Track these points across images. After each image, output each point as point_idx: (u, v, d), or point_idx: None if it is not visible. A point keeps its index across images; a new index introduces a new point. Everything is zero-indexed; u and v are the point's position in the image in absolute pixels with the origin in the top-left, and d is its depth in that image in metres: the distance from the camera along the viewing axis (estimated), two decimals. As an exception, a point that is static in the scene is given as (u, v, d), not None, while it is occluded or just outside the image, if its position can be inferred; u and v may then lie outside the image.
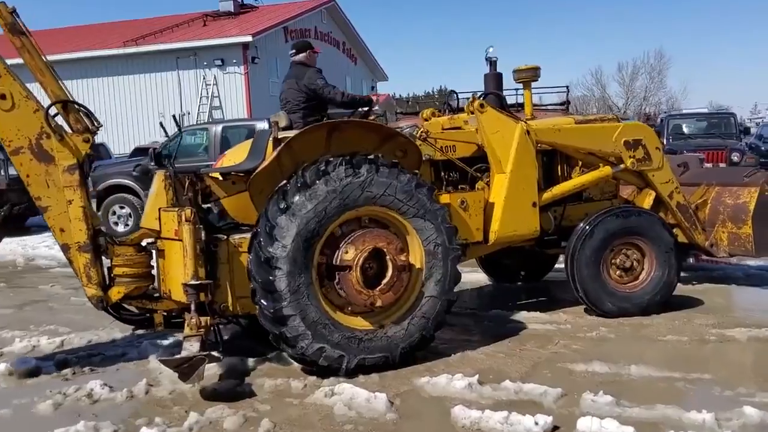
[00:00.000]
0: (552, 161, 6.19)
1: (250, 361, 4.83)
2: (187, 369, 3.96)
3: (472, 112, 5.60)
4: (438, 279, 4.73)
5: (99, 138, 4.52)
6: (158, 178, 4.72)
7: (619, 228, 5.74)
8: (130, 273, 4.59)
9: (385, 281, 4.53)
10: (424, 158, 5.47)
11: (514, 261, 7.15)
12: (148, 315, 4.86)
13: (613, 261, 5.80)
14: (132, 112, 24.34)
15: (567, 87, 10.59)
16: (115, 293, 4.57)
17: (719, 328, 5.40)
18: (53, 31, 28.25)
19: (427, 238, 4.68)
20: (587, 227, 5.69)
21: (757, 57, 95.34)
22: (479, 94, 5.95)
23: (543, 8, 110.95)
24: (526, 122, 5.79)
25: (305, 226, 4.31)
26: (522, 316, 5.97)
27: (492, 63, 6.36)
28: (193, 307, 4.33)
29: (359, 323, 4.63)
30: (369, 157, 4.48)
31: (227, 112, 23.88)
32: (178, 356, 4.07)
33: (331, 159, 4.42)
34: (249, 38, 23.71)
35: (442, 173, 5.71)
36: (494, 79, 6.32)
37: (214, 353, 4.20)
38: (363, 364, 4.54)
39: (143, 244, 4.76)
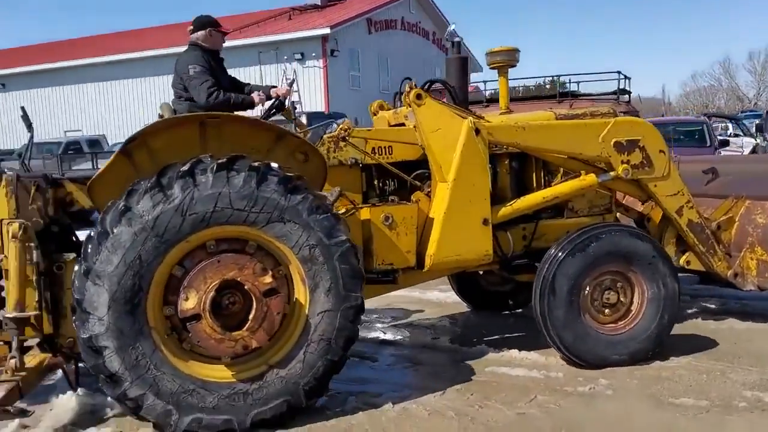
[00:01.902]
0: (524, 167, 5.02)
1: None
2: None
3: (410, 105, 4.56)
4: (327, 287, 3.73)
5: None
6: (1, 185, 4.05)
7: (611, 250, 4.50)
8: None
9: (251, 316, 3.63)
10: (349, 162, 4.53)
11: (499, 285, 6.01)
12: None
13: (595, 293, 4.59)
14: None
15: (619, 72, 9.10)
16: None
17: (757, 390, 4.08)
18: (151, 29, 29.26)
19: (296, 243, 3.67)
20: (559, 253, 4.50)
21: None
22: (425, 82, 4.87)
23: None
24: (477, 118, 4.67)
25: (118, 288, 3.43)
26: (504, 356, 4.86)
27: (455, 44, 5.26)
28: (14, 344, 3.63)
29: (241, 373, 3.73)
30: (182, 169, 3.52)
31: (306, 105, 23.55)
32: None
33: (136, 186, 3.50)
34: (327, 30, 23.25)
35: (376, 181, 4.71)
36: (457, 64, 5.21)
37: (24, 408, 3.48)
38: (263, 418, 3.68)
39: None
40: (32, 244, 3.77)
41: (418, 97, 4.46)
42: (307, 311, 3.76)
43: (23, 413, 3.41)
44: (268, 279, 3.59)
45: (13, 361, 3.59)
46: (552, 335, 4.49)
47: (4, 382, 3.52)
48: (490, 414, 3.93)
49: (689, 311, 5.98)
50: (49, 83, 28.57)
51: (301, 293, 3.78)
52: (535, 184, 4.99)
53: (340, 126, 4.51)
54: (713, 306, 6.10)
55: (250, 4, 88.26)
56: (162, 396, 3.54)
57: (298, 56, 23.76)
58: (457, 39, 5.22)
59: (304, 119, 13.84)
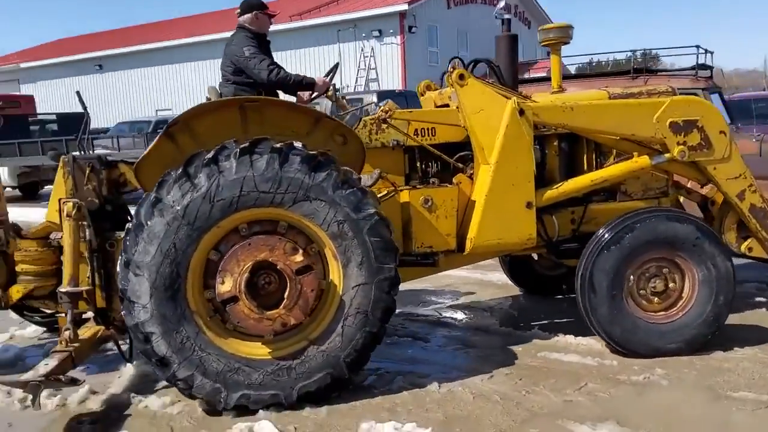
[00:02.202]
0: (575, 148, 4.86)
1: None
2: (29, 391, 3.53)
3: (453, 86, 4.50)
4: (360, 261, 3.76)
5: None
6: (60, 166, 4.29)
7: (649, 238, 4.33)
8: (31, 270, 4.21)
9: (286, 294, 3.72)
10: (391, 144, 4.53)
11: (553, 269, 5.88)
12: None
13: (641, 282, 4.43)
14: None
15: (698, 46, 8.58)
16: (15, 292, 4.24)
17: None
18: (229, 11, 29.95)
19: (324, 220, 3.70)
20: (606, 235, 4.36)
21: None
22: (470, 61, 4.78)
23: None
24: (524, 99, 4.56)
25: (157, 277, 3.57)
26: (558, 342, 4.78)
27: (504, 22, 5.12)
28: (69, 317, 3.87)
29: (283, 349, 3.84)
30: (207, 157, 3.58)
31: (383, 83, 23.60)
32: (13, 378, 3.64)
33: (166, 177, 3.62)
34: (405, 6, 23.11)
35: (419, 163, 4.69)
36: (506, 42, 5.08)
37: (76, 377, 3.72)
38: (308, 391, 3.78)
39: (51, 238, 4.38)
40: (85, 223, 3.99)
41: (461, 77, 4.38)
42: (341, 286, 3.81)
43: (74, 382, 3.63)
44: (299, 258, 3.66)
45: (67, 332, 3.82)
46: (599, 331, 4.38)
47: (57, 352, 3.76)
48: (537, 399, 3.87)
49: (758, 299, 5.67)
50: (143, 64, 29.79)
51: (334, 269, 3.82)
52: (586, 166, 4.82)
53: (381, 108, 4.51)
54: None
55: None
56: (209, 375, 3.69)
57: (376, 33, 23.76)
58: (507, 16, 5.09)
59: (374, 98, 13.92)
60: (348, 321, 3.80)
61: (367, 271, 3.77)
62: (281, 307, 3.69)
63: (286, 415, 3.73)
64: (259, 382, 3.75)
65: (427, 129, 4.61)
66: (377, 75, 23.97)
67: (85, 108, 4.95)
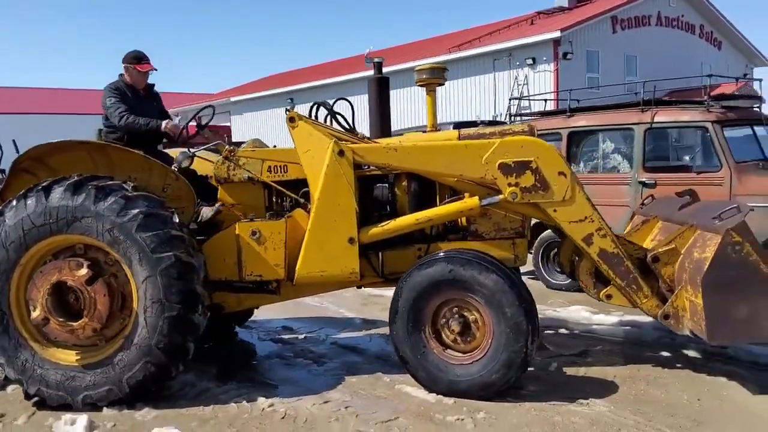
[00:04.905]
0: (427, 187, 4.90)
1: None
2: None
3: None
4: (139, 258, 4.25)
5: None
6: None
7: (434, 281, 4.32)
8: None
9: (83, 305, 4.34)
10: (245, 180, 4.94)
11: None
12: None
13: (441, 323, 4.44)
14: (452, 116, 25.52)
15: (710, 75, 7.74)
16: None
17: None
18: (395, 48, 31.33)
19: (97, 233, 4.28)
20: (404, 278, 4.46)
21: None
22: (312, 104, 5.06)
23: None
24: (359, 140, 4.76)
25: None
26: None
27: (376, 66, 5.31)
28: None
29: (106, 350, 4.42)
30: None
31: (535, 110, 23.24)
32: None
33: None
34: (557, 34, 22.60)
35: (274, 198, 5.08)
36: (375, 85, 5.27)
37: None
38: (137, 381, 4.31)
39: None
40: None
41: (291, 120, 4.73)
42: (134, 284, 4.33)
43: None
44: (83, 271, 4.30)
45: None
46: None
47: None
48: (338, 427, 4.06)
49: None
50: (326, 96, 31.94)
51: (126, 271, 4.36)
52: (438, 204, 4.86)
53: (226, 148, 5.00)
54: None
55: (500, 13, 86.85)
56: (52, 387, 4.40)
57: (530, 61, 23.49)
58: (377, 60, 5.29)
59: (450, 128, 14.02)
60: (148, 312, 4.30)
61: (148, 264, 4.26)
62: (84, 316, 4.35)
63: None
64: (94, 382, 4.40)
65: (280, 166, 4.99)
66: (529, 103, 23.63)
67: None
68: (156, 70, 5.42)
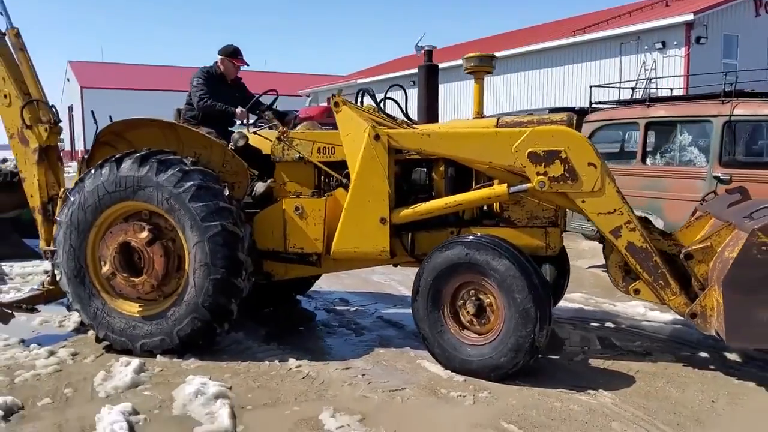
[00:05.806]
0: (463, 173, 5.04)
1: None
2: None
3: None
4: (191, 225, 4.77)
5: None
6: None
7: (452, 263, 4.49)
8: None
9: (143, 263, 4.94)
10: (292, 159, 5.32)
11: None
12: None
13: (459, 304, 4.61)
14: (569, 100, 24.78)
15: None
16: None
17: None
18: (506, 34, 30.45)
19: (158, 201, 4.84)
20: (426, 259, 4.67)
21: None
22: (358, 90, 5.30)
23: None
24: (378, 124, 4.97)
25: (69, 270, 5.11)
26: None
27: (426, 53, 5.46)
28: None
29: (161, 305, 4.99)
30: (79, 179, 5.06)
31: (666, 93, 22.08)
32: None
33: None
34: (690, 17, 21.27)
35: (323, 177, 5.42)
36: (424, 72, 5.42)
37: (37, 308, 5.54)
38: (186, 333, 4.84)
39: None
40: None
41: (336, 104, 5.03)
42: (186, 248, 4.87)
43: (33, 310, 5.45)
44: (143, 234, 4.89)
45: (46, 277, 5.64)
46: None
47: (35, 290, 5.59)
48: (347, 391, 4.34)
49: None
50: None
51: (180, 236, 4.91)
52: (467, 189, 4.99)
53: (280, 129, 5.39)
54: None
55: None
56: (116, 332, 5.06)
57: (659, 45, 22.28)
58: (428, 47, 5.44)
59: (546, 113, 13.65)
60: (197, 273, 4.83)
61: (197, 231, 4.78)
62: (144, 273, 4.94)
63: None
64: (150, 332, 5.02)
65: (328, 148, 5.32)
66: (657, 89, 22.47)
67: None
68: (248, 65, 6.12)
